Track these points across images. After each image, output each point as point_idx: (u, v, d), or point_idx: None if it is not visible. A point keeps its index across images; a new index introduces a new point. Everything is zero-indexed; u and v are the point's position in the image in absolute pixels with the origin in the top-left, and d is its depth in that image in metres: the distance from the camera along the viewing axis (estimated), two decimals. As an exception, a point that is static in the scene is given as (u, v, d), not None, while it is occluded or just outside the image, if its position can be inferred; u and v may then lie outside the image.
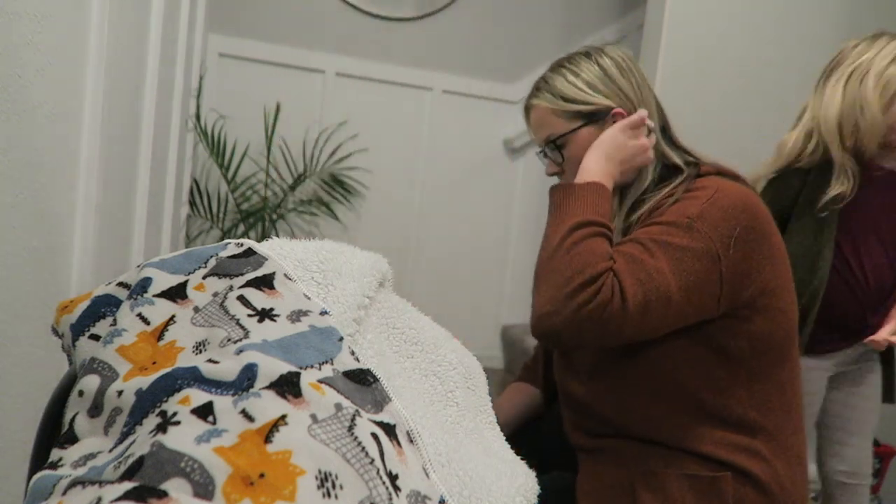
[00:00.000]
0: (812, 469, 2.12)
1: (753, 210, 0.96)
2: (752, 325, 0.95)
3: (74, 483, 0.43)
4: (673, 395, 0.97)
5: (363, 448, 0.49)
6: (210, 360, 0.55)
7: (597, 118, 1.06)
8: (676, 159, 1.06)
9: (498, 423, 0.84)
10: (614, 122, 1.06)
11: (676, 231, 0.92)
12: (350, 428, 0.50)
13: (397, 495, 0.50)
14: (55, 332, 0.69)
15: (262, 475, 0.43)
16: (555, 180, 1.13)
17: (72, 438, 0.55)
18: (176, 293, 0.64)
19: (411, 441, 0.58)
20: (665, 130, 1.10)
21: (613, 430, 0.99)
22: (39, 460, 0.64)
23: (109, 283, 0.68)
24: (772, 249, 0.97)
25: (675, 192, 1.00)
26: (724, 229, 0.93)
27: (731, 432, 0.95)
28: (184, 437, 0.44)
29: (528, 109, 1.14)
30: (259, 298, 0.62)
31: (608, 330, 0.89)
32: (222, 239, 2.25)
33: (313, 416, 0.49)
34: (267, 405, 0.48)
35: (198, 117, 2.11)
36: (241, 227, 2.29)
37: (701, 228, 0.92)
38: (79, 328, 0.65)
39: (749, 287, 0.94)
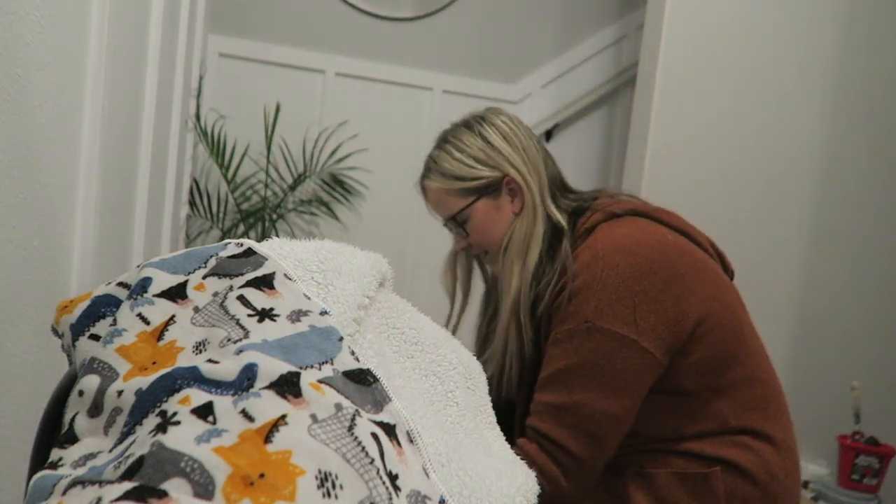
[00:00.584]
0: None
1: (645, 260, 0.92)
2: (694, 356, 0.94)
3: (74, 483, 0.43)
4: (648, 436, 0.97)
5: (363, 448, 0.49)
6: (210, 360, 0.55)
7: (489, 190, 1.05)
8: (560, 218, 1.03)
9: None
10: (509, 189, 1.05)
11: (579, 343, 0.90)
12: (350, 428, 0.50)
13: (397, 495, 0.50)
14: (55, 332, 0.69)
15: (262, 475, 0.43)
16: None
17: (72, 438, 0.55)
18: (176, 293, 0.64)
19: (411, 441, 0.58)
20: (554, 184, 1.07)
21: None
22: (39, 460, 0.64)
23: (109, 283, 0.68)
24: (684, 281, 0.93)
25: (566, 269, 0.96)
26: (623, 309, 0.89)
27: (715, 435, 0.95)
28: (184, 436, 0.44)
29: (423, 190, 1.13)
30: (259, 298, 0.62)
31: (586, 480, 0.91)
32: (222, 239, 2.25)
33: (313, 416, 0.49)
34: (267, 405, 0.48)
35: (198, 117, 2.11)
36: (241, 227, 2.29)
37: (601, 326, 0.89)
38: (79, 328, 0.65)
39: (681, 330, 0.92)
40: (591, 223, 1.00)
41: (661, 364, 0.91)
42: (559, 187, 1.09)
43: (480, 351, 1.18)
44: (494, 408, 1.16)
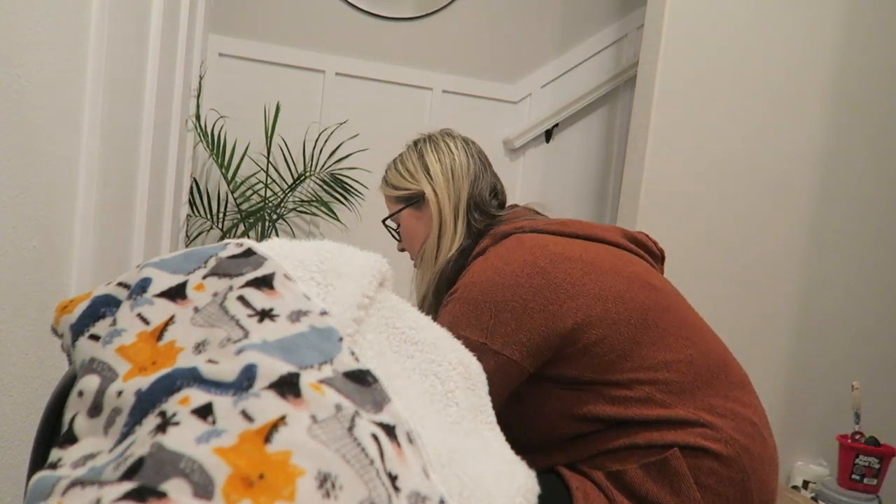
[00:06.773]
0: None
1: (511, 276, 0.96)
2: (585, 353, 0.95)
3: (74, 483, 0.43)
4: (582, 427, 0.98)
5: (363, 449, 0.49)
6: (210, 361, 0.55)
7: (411, 202, 1.21)
8: (462, 242, 1.14)
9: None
10: (427, 203, 1.17)
11: None
12: (350, 429, 0.50)
13: (397, 496, 0.50)
14: (55, 332, 0.69)
15: (261, 476, 0.43)
16: None
17: (71, 439, 0.55)
18: (176, 293, 0.64)
19: (411, 441, 0.58)
20: (478, 207, 1.16)
21: (557, 449, 1.01)
22: (39, 460, 0.64)
23: (109, 283, 0.68)
24: (560, 289, 0.96)
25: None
26: (478, 318, 0.95)
27: (654, 417, 0.95)
28: (183, 437, 0.44)
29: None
30: (259, 298, 0.62)
31: None
32: (222, 239, 2.25)
33: (313, 417, 0.49)
34: (267, 405, 0.48)
35: (198, 117, 2.11)
36: (241, 227, 2.29)
37: (453, 334, 0.91)
38: (78, 328, 0.65)
39: (552, 334, 0.95)
40: (481, 248, 1.08)
41: (519, 365, 0.95)
42: (482, 212, 1.16)
43: None
44: None
